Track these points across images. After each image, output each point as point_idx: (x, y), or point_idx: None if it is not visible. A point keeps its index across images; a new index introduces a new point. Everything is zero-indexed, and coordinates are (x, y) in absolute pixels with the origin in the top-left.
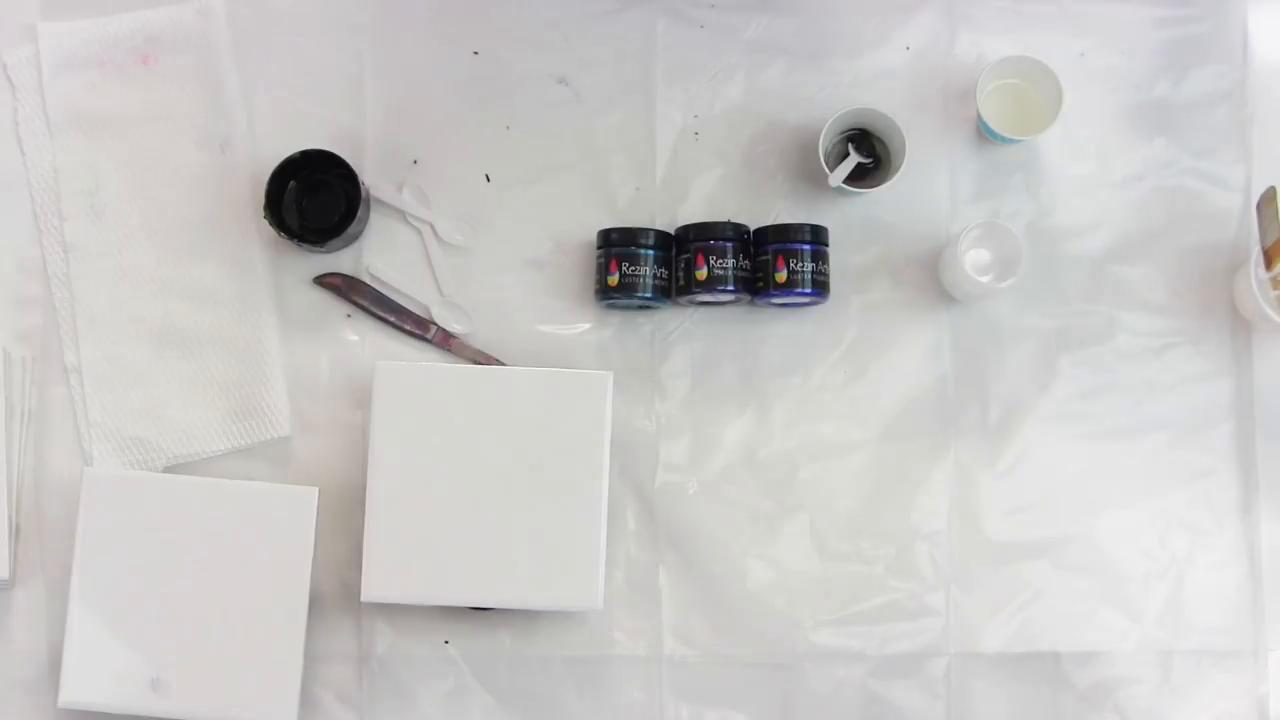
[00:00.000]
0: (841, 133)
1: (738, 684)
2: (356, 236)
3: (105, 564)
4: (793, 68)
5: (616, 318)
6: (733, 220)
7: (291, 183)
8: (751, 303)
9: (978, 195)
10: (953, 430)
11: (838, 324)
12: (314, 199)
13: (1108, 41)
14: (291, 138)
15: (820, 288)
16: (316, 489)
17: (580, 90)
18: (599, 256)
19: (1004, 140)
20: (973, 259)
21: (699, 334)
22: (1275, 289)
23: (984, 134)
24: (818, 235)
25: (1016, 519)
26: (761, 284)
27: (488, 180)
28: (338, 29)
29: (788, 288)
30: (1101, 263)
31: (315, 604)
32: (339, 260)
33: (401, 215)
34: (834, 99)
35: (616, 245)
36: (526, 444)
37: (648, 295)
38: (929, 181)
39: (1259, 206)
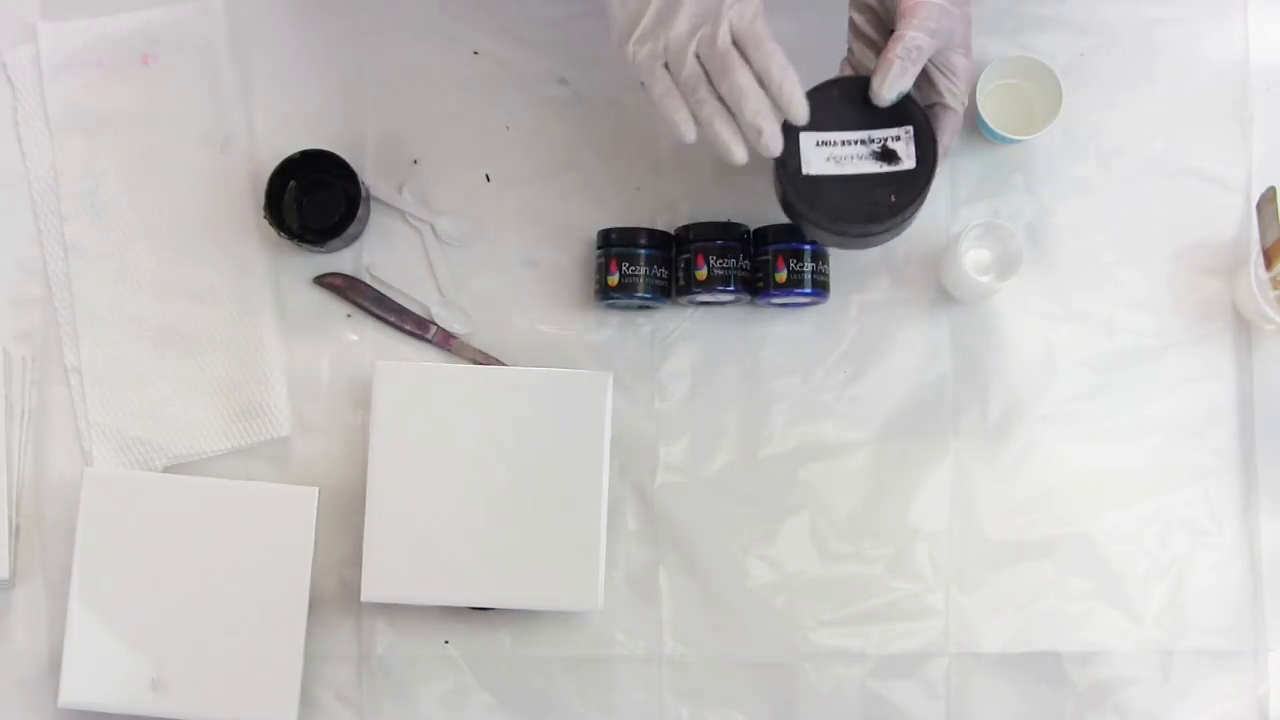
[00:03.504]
0: None
1: (738, 684)
2: (356, 236)
3: (105, 564)
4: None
5: (616, 318)
6: (733, 220)
7: (291, 183)
8: (751, 303)
9: (978, 195)
10: (953, 430)
11: (838, 324)
12: (314, 199)
13: (1108, 41)
14: (291, 138)
15: (820, 288)
16: (316, 489)
17: (580, 90)
18: (599, 256)
19: (1004, 140)
20: (973, 259)
21: (699, 334)
22: (1275, 289)
23: (984, 134)
24: None
25: (1016, 519)
26: (761, 284)
27: (488, 180)
28: (337, 29)
29: (788, 288)
30: (1101, 263)
31: (315, 604)
32: (339, 260)
33: (401, 215)
34: None
35: (616, 245)
36: (526, 444)
37: (647, 295)
38: None
39: (1259, 206)
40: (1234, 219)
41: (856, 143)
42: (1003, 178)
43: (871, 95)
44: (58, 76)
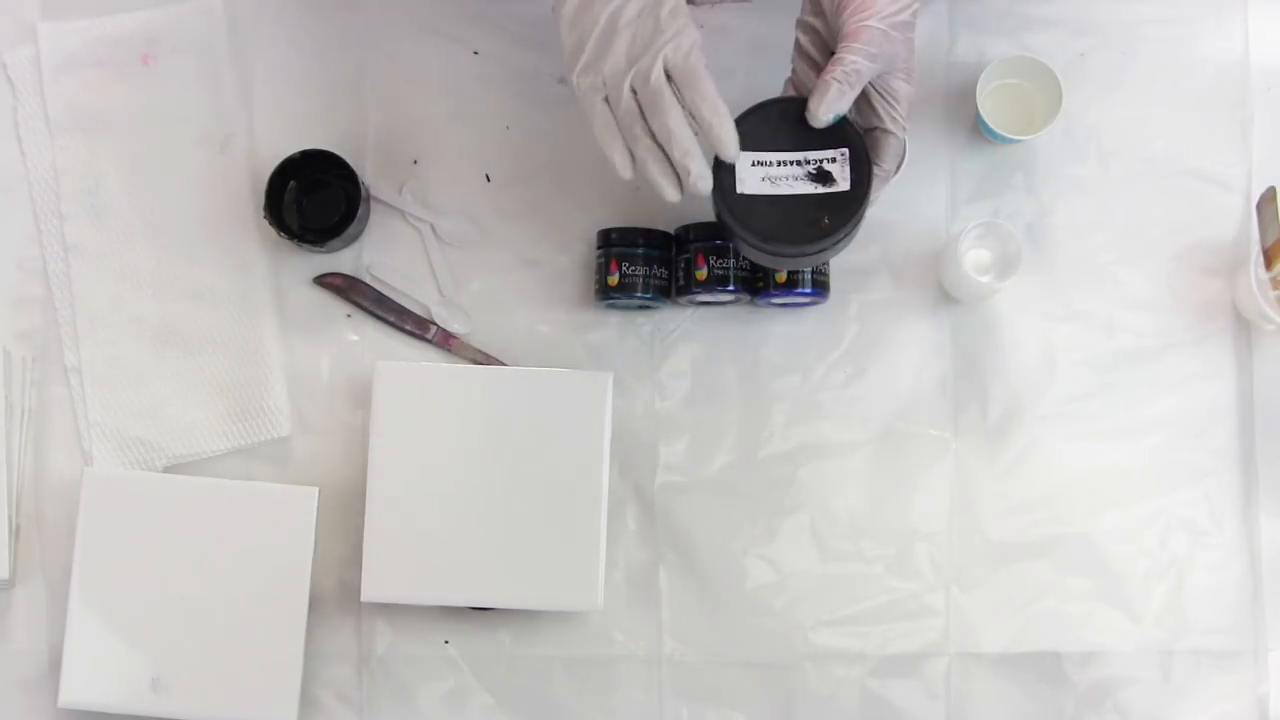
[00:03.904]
0: None
1: (738, 684)
2: (356, 236)
3: (105, 564)
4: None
5: (616, 318)
6: None
7: (291, 183)
8: (751, 303)
9: (978, 195)
10: (952, 430)
11: (838, 324)
12: (314, 199)
13: (1108, 41)
14: (291, 138)
15: (820, 287)
16: (316, 489)
17: None
18: (599, 256)
19: (1004, 140)
20: (973, 259)
21: (699, 334)
22: (1275, 289)
23: (984, 134)
24: None
25: (1016, 519)
26: (761, 284)
27: (488, 180)
28: (338, 29)
29: (788, 288)
30: (1101, 263)
31: (315, 604)
32: (339, 260)
33: (401, 215)
34: None
35: (616, 245)
36: (526, 444)
37: (647, 295)
38: (929, 181)
39: (1259, 206)
40: (1234, 219)
41: (792, 163)
42: (1003, 178)
43: (808, 116)
44: (58, 76)
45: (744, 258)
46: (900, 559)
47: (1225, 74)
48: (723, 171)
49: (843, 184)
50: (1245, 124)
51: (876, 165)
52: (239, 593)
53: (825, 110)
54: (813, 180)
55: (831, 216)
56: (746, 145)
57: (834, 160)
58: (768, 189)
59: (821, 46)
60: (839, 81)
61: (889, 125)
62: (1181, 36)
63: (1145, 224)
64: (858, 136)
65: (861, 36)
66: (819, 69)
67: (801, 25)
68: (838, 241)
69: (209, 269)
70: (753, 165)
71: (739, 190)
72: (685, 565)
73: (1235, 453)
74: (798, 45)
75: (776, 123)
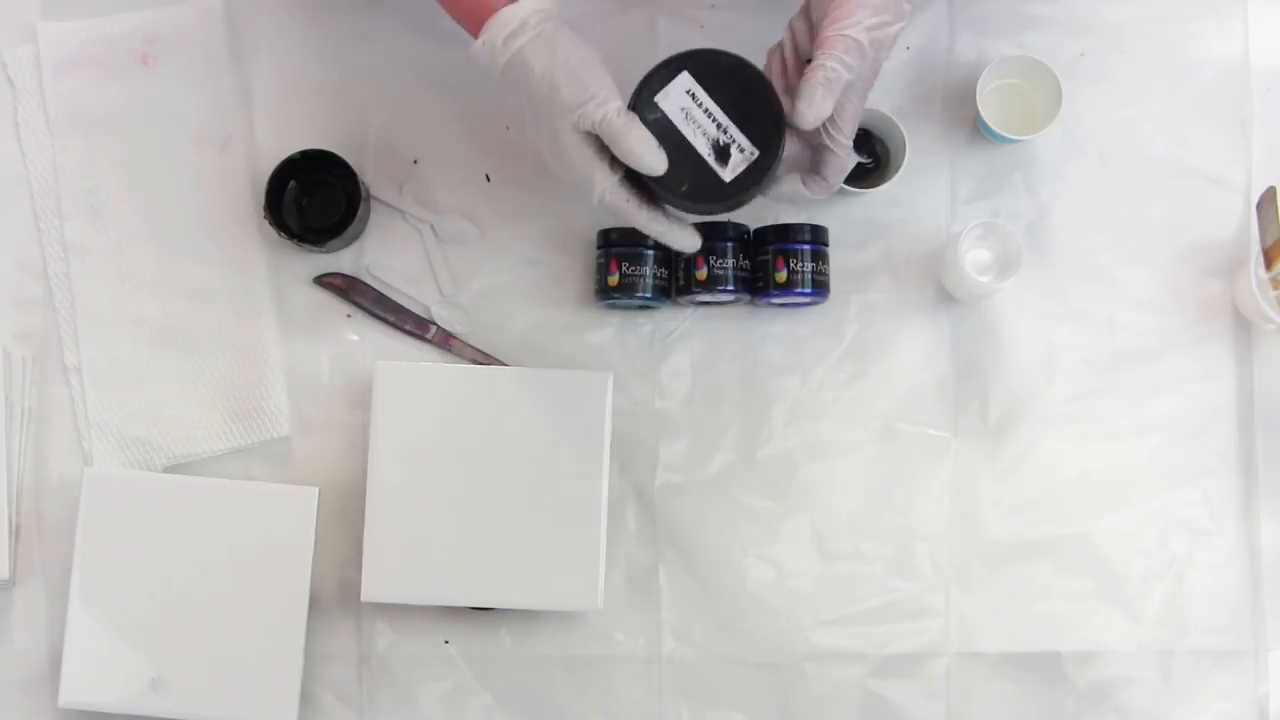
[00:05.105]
0: None
1: (738, 684)
2: (356, 236)
3: (105, 564)
4: None
5: (616, 318)
6: (733, 220)
7: (291, 183)
8: (751, 303)
9: (978, 195)
10: (953, 430)
11: (838, 324)
12: (314, 199)
13: (1108, 41)
14: (291, 138)
15: (820, 287)
16: (316, 489)
17: None
18: (599, 256)
19: (1004, 140)
20: (973, 259)
21: (699, 334)
22: (1275, 289)
23: (984, 134)
24: (818, 235)
25: (1016, 519)
26: (761, 284)
27: (488, 180)
28: (337, 29)
29: (788, 288)
30: (1101, 263)
31: (315, 604)
32: (339, 260)
33: (401, 215)
34: None
35: (616, 245)
36: (526, 444)
37: (648, 295)
38: (929, 181)
39: (1259, 206)
40: (1234, 219)
41: (713, 121)
42: (1003, 178)
43: (796, 118)
44: (58, 76)
45: (744, 257)
46: (900, 559)
47: (1225, 74)
48: (658, 79)
49: (726, 175)
50: (1245, 124)
51: (820, 177)
52: (239, 593)
53: (814, 114)
54: (713, 148)
55: (694, 191)
56: (697, 72)
57: (742, 151)
58: (678, 120)
59: (796, 52)
60: (823, 86)
61: (826, 140)
62: (1181, 36)
63: (1145, 224)
64: (776, 153)
65: (839, 45)
66: (786, 72)
67: (790, 29)
68: (689, 208)
69: (209, 269)
70: (686, 91)
71: (657, 101)
72: (685, 565)
73: (1235, 453)
74: (779, 44)
75: (727, 77)
